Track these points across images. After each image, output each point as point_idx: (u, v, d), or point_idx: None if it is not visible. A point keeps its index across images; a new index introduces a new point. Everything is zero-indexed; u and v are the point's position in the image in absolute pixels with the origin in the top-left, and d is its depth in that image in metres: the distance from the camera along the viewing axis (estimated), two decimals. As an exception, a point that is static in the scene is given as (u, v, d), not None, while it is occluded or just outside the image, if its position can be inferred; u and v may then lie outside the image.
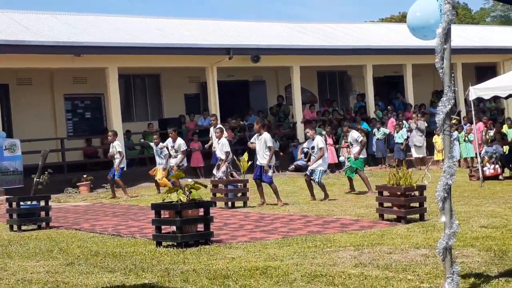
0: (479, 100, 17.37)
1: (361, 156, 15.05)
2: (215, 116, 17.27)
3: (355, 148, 14.93)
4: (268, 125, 18.04)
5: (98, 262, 7.65)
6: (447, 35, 5.56)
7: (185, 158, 16.96)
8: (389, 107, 24.97)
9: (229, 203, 13.51)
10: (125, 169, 17.25)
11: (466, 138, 20.82)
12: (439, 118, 5.59)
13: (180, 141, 16.39)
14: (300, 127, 22.92)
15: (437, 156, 20.80)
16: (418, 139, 21.76)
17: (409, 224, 9.57)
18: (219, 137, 15.06)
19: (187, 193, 8.60)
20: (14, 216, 11.46)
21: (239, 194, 13.88)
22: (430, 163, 19.12)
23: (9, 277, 7.05)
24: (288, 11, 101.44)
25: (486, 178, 15.86)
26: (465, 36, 27.77)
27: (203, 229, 8.72)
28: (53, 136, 20.37)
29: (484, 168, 16.29)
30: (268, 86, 25.43)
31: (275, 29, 25.51)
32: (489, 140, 18.30)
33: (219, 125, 16.28)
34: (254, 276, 6.44)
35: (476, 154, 17.65)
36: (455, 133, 19.99)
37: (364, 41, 25.21)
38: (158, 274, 6.80)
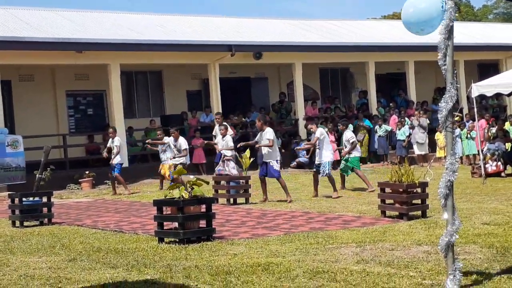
0: (481, 97, 17.35)
1: (356, 154, 15.05)
2: (220, 114, 17.19)
3: (346, 149, 14.95)
4: (270, 122, 18.01)
5: (100, 258, 7.67)
6: (449, 32, 5.55)
7: (188, 156, 16.98)
8: (391, 104, 24.95)
9: (231, 200, 13.51)
10: (124, 164, 17.28)
11: (469, 135, 20.80)
12: (441, 115, 5.59)
13: (182, 140, 16.39)
14: (302, 124, 22.91)
15: (439, 153, 20.80)
16: (420, 136, 21.74)
17: (411, 221, 9.57)
18: (223, 134, 15.11)
19: (189, 189, 8.61)
20: (17, 212, 11.49)
21: (241, 191, 13.88)
22: (432, 160, 19.11)
23: (11, 272, 7.07)
24: (289, 7, 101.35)
25: (488, 175, 15.85)
26: (467, 33, 27.73)
27: (205, 226, 8.73)
28: (55, 133, 20.39)
29: (486, 165, 16.28)
30: (270, 83, 25.42)
31: (277, 26, 25.48)
32: (491, 137, 18.28)
33: (224, 123, 16.26)
34: (256, 272, 6.45)
35: (478, 151, 17.63)
36: (457, 130, 19.97)
37: (366, 38, 25.19)
38: (160, 270, 6.81)
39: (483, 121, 20.92)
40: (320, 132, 14.02)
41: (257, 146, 13.57)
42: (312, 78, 25.21)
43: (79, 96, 21.91)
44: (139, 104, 23.01)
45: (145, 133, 21.72)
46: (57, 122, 21.15)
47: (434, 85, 27.44)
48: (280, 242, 8.20)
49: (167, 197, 8.93)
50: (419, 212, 9.99)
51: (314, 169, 14.11)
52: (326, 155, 13.89)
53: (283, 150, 21.04)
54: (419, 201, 10.08)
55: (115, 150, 16.89)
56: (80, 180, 18.29)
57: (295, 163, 21.08)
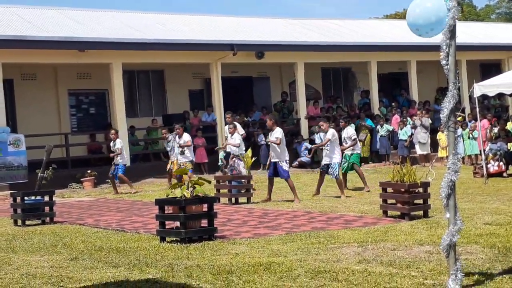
0: (483, 97, 17.34)
1: (357, 151, 15.08)
2: (230, 113, 16.90)
3: (347, 145, 14.92)
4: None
5: (102, 257, 7.67)
6: (452, 32, 5.55)
7: (193, 154, 16.88)
8: (393, 103, 24.94)
9: (233, 199, 13.51)
10: (127, 165, 17.29)
11: (471, 135, 20.79)
12: (443, 114, 5.58)
13: (186, 137, 16.33)
14: (304, 123, 22.92)
15: (441, 153, 20.78)
16: (422, 136, 21.73)
17: (413, 220, 9.56)
18: (232, 133, 15.15)
19: (191, 188, 8.61)
20: (19, 211, 11.49)
21: (243, 190, 13.87)
22: (434, 160, 19.10)
23: (13, 271, 7.08)
24: (290, 5, 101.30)
25: (490, 175, 15.84)
26: (470, 33, 27.71)
27: (206, 225, 8.73)
28: (57, 131, 20.40)
29: (488, 165, 16.26)
30: (272, 82, 25.42)
31: (280, 25, 25.48)
32: (494, 137, 18.27)
33: (234, 122, 16.22)
34: (257, 271, 6.45)
35: (480, 151, 17.62)
36: (459, 130, 19.96)
37: (368, 38, 25.18)
38: (162, 269, 6.81)
39: (485, 121, 20.90)
40: (332, 133, 13.94)
41: (266, 141, 13.58)
42: (314, 78, 25.20)
43: (81, 95, 21.92)
44: (141, 103, 23.01)
45: (147, 132, 21.74)
46: (59, 121, 21.16)
47: (436, 85, 27.42)
48: (282, 242, 8.19)
49: (169, 196, 8.93)
50: (421, 212, 9.98)
51: (321, 169, 13.97)
52: (336, 156, 13.79)
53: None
54: (421, 201, 10.07)
55: (117, 152, 16.89)
56: (82, 179, 18.30)
57: (297, 162, 21.07)
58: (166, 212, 8.86)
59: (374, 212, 10.66)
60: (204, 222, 8.78)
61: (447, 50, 5.55)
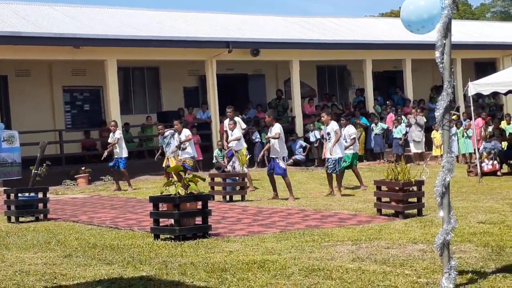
0: (478, 95, 17.37)
1: (356, 150, 15.03)
2: (231, 108, 16.44)
3: (347, 143, 14.80)
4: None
5: (96, 255, 7.66)
6: (447, 30, 5.55)
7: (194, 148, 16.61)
8: (388, 102, 24.97)
9: (227, 197, 13.50)
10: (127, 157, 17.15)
11: (465, 134, 20.83)
12: (438, 113, 5.58)
13: (186, 131, 16.02)
14: (299, 121, 22.92)
15: (436, 152, 20.83)
16: (417, 134, 21.76)
17: (407, 219, 9.58)
18: (232, 129, 15.08)
19: (185, 186, 8.60)
20: (12, 207, 11.46)
21: (237, 188, 13.87)
22: (428, 159, 19.13)
23: (6, 268, 7.06)
24: (287, 3, 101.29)
25: (484, 174, 15.87)
26: (465, 31, 27.75)
27: (201, 222, 8.72)
28: (51, 128, 20.33)
29: (483, 164, 16.30)
30: (267, 80, 25.42)
31: (275, 23, 25.47)
32: (488, 136, 18.31)
33: (236, 118, 16.06)
34: (251, 269, 6.45)
35: (474, 150, 17.65)
36: (454, 129, 20.00)
37: (363, 36, 25.20)
38: (156, 266, 6.80)
39: (479, 120, 20.95)
40: (338, 127, 13.93)
41: (266, 137, 13.57)
42: (309, 76, 25.21)
43: (76, 91, 21.87)
44: (136, 100, 22.98)
45: (142, 130, 21.70)
46: (53, 117, 21.11)
47: (431, 83, 27.48)
48: (276, 240, 8.19)
49: (163, 194, 8.92)
50: (415, 211, 10.00)
51: (326, 167, 13.74)
52: (339, 151, 13.68)
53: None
54: (415, 200, 10.08)
55: (114, 142, 16.68)
56: (76, 176, 18.26)
57: (291, 160, 21.06)
58: (160, 209, 8.85)
59: (368, 211, 10.67)
60: (198, 220, 8.78)
61: (442, 48, 5.55)
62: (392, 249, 7.30)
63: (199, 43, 20.79)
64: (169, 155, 16.24)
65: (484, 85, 16.46)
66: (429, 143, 21.92)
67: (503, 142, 17.67)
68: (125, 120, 20.76)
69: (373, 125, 22.51)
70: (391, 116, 23.22)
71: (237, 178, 13.86)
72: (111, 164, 16.80)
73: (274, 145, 13.17)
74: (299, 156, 21.43)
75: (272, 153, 13.28)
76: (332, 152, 13.57)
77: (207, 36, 21.33)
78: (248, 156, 14.73)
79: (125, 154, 16.90)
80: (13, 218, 11.33)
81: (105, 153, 16.93)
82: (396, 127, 22.17)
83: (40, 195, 11.67)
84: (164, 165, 16.52)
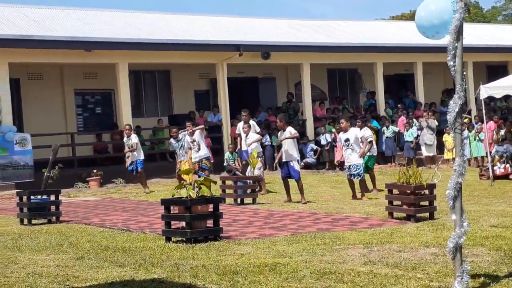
0: (490, 99, 17.32)
1: (374, 154, 14.95)
2: (247, 112, 16.26)
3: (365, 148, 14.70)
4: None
5: (108, 257, 7.68)
6: (459, 33, 5.54)
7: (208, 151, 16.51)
8: (399, 105, 24.92)
9: (238, 200, 13.51)
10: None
11: (477, 137, 20.75)
12: (450, 116, 5.57)
13: (197, 134, 15.98)
14: (310, 124, 22.91)
15: (447, 155, 20.75)
16: (428, 137, 21.71)
17: (418, 222, 9.55)
18: (247, 132, 15.02)
19: (197, 189, 8.61)
20: (25, 210, 11.52)
21: (249, 191, 13.87)
22: (440, 162, 19.07)
23: (19, 270, 7.10)
24: (296, 4, 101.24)
25: (496, 177, 15.80)
26: (476, 34, 27.66)
27: (212, 225, 8.73)
28: (63, 131, 20.45)
29: (495, 168, 16.23)
30: (278, 83, 25.43)
31: (285, 26, 25.48)
32: (500, 139, 18.24)
33: (251, 121, 16.00)
34: (263, 272, 6.45)
35: (486, 153, 17.58)
36: (466, 132, 19.93)
37: (374, 39, 25.16)
38: (168, 269, 6.82)
39: (491, 123, 20.87)
40: (359, 131, 13.86)
41: (280, 139, 13.35)
42: (320, 79, 25.21)
43: (88, 94, 21.96)
44: (147, 103, 23.05)
45: (153, 133, 21.77)
46: (65, 120, 21.21)
47: (442, 87, 27.39)
48: (287, 243, 8.19)
49: (174, 197, 8.94)
50: (427, 214, 9.96)
51: (350, 172, 13.48)
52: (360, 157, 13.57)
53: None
54: (426, 203, 10.05)
55: (133, 148, 16.75)
56: (88, 179, 18.34)
57: (302, 163, 21.04)
58: (172, 212, 8.87)
59: (380, 214, 10.65)
60: (209, 223, 8.79)
61: (453, 51, 5.54)
62: (404, 252, 7.28)
63: (210, 46, 20.85)
64: (183, 159, 16.19)
65: (495, 88, 16.41)
66: (440, 147, 21.85)
67: (515, 146, 17.58)
68: (137, 123, 20.81)
69: (384, 128, 22.46)
70: (402, 119, 23.17)
71: (249, 181, 13.87)
72: (130, 168, 16.81)
73: (288, 150, 13.10)
74: (310, 159, 21.43)
75: (286, 157, 13.11)
76: (353, 158, 13.44)
77: (218, 40, 21.38)
78: (260, 159, 14.71)
79: (142, 156, 16.96)
80: (25, 221, 11.38)
81: (128, 161, 16.91)
82: (407, 130, 22.12)
83: (53, 197, 11.72)
84: (177, 170, 16.46)
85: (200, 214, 8.61)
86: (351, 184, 13.56)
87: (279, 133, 13.56)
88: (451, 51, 5.55)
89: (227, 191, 13.92)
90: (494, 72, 26.91)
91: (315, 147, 21.74)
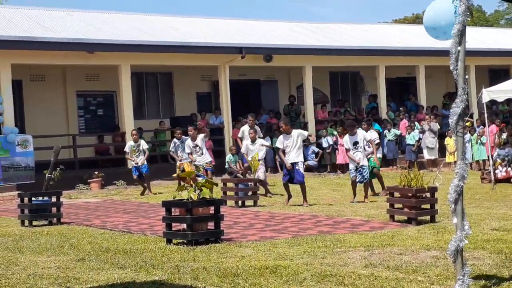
0: (492, 102, 17.32)
1: (379, 155, 14.91)
2: (254, 116, 16.39)
3: (370, 149, 14.64)
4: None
5: (109, 259, 7.68)
6: (461, 37, 5.54)
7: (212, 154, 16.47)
8: (401, 108, 24.91)
9: (240, 202, 13.51)
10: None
11: (479, 141, 20.74)
12: (452, 119, 5.57)
13: (200, 139, 15.96)
14: (311, 127, 22.91)
15: (449, 158, 20.75)
16: (430, 140, 21.70)
17: (419, 225, 9.54)
18: (253, 138, 14.92)
19: (198, 191, 8.61)
20: (26, 211, 11.53)
21: (250, 193, 13.87)
22: (441, 165, 19.06)
23: (20, 271, 7.10)
24: (299, 8, 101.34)
25: (498, 181, 15.79)
26: (479, 38, 27.65)
27: (213, 227, 8.73)
28: (65, 133, 20.46)
29: (496, 171, 16.22)
30: (280, 86, 25.44)
31: (288, 29, 25.50)
32: (502, 143, 18.23)
33: (256, 127, 15.97)
34: (264, 275, 6.44)
35: (488, 156, 17.57)
36: (468, 135, 19.92)
37: (377, 42, 25.17)
38: (168, 271, 6.82)
39: (493, 127, 20.86)
40: (368, 134, 13.86)
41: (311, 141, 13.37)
42: (322, 81, 25.21)
43: (90, 96, 21.99)
44: (149, 105, 23.06)
45: (155, 135, 21.78)
46: (67, 122, 21.23)
47: (444, 90, 27.38)
48: (288, 245, 8.19)
49: (175, 199, 8.94)
50: (428, 217, 9.96)
51: (356, 175, 13.47)
52: (365, 158, 13.61)
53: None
54: (428, 206, 10.04)
55: (147, 154, 16.89)
56: (89, 181, 18.34)
57: (304, 166, 21.03)
58: (172, 214, 8.87)
59: (381, 217, 10.64)
60: (210, 225, 8.79)
61: (456, 55, 5.54)
62: (405, 255, 7.27)
63: (212, 48, 20.86)
64: (184, 161, 16.18)
65: (498, 92, 16.42)
66: (442, 150, 21.84)
67: (517, 149, 17.57)
68: (138, 125, 20.81)
69: (386, 131, 22.45)
70: (404, 123, 23.16)
71: (250, 183, 13.87)
72: (136, 173, 16.81)
73: (294, 152, 13.05)
74: (312, 162, 21.42)
75: (292, 159, 13.03)
76: (365, 159, 13.46)
77: (220, 42, 21.39)
78: (261, 161, 14.71)
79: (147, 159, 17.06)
80: (26, 222, 11.38)
81: (132, 162, 16.87)
82: (409, 134, 22.12)
83: (54, 199, 11.73)
84: (178, 173, 16.47)
85: (201, 216, 8.61)
86: (355, 185, 13.54)
87: (282, 136, 13.35)
88: (453, 55, 5.55)
89: (228, 193, 13.93)
90: (496, 75, 26.90)
91: (316, 149, 21.74)
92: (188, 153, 15.28)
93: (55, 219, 11.55)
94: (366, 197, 13.46)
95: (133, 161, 16.92)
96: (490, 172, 15.99)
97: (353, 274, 6.37)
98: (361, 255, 7.34)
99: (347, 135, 13.84)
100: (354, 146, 13.58)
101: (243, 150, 15.47)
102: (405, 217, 10.01)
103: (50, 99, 20.74)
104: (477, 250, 7.41)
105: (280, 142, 13.27)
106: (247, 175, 15.55)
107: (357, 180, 13.51)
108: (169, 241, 8.60)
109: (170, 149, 17.26)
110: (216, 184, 9.45)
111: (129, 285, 6.28)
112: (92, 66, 20.21)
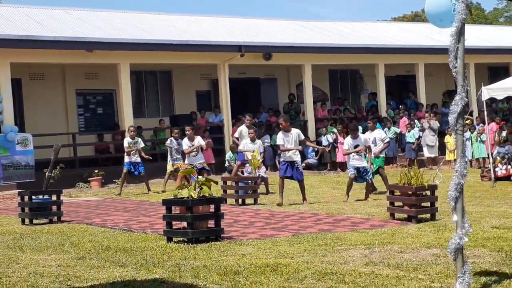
0: (491, 100, 17.33)
1: (383, 154, 14.90)
2: (251, 116, 16.44)
3: (378, 146, 14.61)
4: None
5: (109, 257, 7.69)
6: (460, 34, 5.54)
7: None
8: (400, 106, 24.92)
9: (240, 200, 13.51)
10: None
11: (479, 139, 20.74)
12: (452, 117, 5.57)
13: (199, 138, 15.99)
14: (311, 125, 22.91)
15: (449, 156, 20.75)
16: (430, 138, 21.71)
17: (420, 223, 9.55)
18: (253, 138, 14.89)
19: (198, 189, 8.62)
20: (26, 210, 11.53)
21: (250, 191, 13.86)
22: (441, 163, 19.07)
23: (21, 270, 7.10)
24: (299, 7, 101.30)
25: (498, 178, 15.79)
26: (478, 36, 27.66)
27: (213, 226, 8.74)
28: (65, 131, 20.47)
29: (496, 169, 16.23)
30: (280, 84, 25.44)
31: (287, 27, 25.49)
32: (502, 141, 18.23)
33: (253, 127, 15.97)
34: (264, 273, 6.45)
35: (488, 154, 17.58)
36: (468, 133, 19.93)
37: (376, 40, 25.16)
38: (169, 269, 6.83)
39: (493, 124, 20.86)
40: (381, 132, 13.99)
41: (308, 144, 13.40)
42: (321, 80, 25.21)
43: (89, 95, 21.98)
44: (149, 104, 23.06)
45: (154, 133, 21.78)
46: (66, 120, 21.23)
47: (443, 88, 27.38)
48: (289, 243, 8.19)
49: (176, 197, 8.94)
50: (428, 215, 9.96)
51: (354, 174, 13.41)
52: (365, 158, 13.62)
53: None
54: (428, 204, 10.05)
55: (143, 155, 16.88)
56: (89, 179, 18.36)
57: (303, 164, 21.03)
58: (173, 212, 8.87)
59: (381, 215, 10.65)
60: (211, 223, 8.80)
61: (455, 52, 5.54)
62: (405, 253, 7.28)
63: (212, 47, 20.85)
64: (178, 162, 16.26)
65: (497, 90, 16.41)
66: (442, 148, 21.85)
67: (516, 147, 17.57)
68: (138, 124, 20.79)
69: (385, 129, 22.44)
70: (404, 121, 23.16)
71: (250, 181, 13.87)
72: (134, 171, 16.76)
73: (295, 151, 13.05)
74: (312, 160, 21.43)
75: (293, 157, 13.00)
76: (362, 162, 13.45)
77: (220, 40, 21.38)
78: (260, 160, 14.70)
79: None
80: (27, 220, 11.39)
81: (129, 158, 16.83)
82: (409, 132, 22.12)
83: (54, 197, 11.73)
84: (171, 171, 16.54)
85: (202, 215, 8.62)
86: (351, 185, 13.53)
87: (281, 133, 13.29)
88: (452, 53, 5.55)
89: (229, 191, 13.93)
90: (496, 73, 26.90)
91: (316, 148, 21.71)
92: (185, 150, 15.32)
93: (55, 217, 11.55)
94: (367, 196, 13.43)
95: (133, 152, 16.79)
96: (490, 170, 16.00)
97: (353, 272, 6.37)
98: (362, 253, 7.35)
99: (349, 137, 13.80)
100: (355, 149, 13.59)
101: (241, 147, 15.35)
102: (405, 215, 10.01)
103: (49, 97, 20.74)
104: (477, 248, 7.42)
105: (280, 139, 13.21)
106: (239, 172, 15.51)
107: (359, 181, 13.53)
108: (169, 239, 8.61)
109: (167, 142, 17.21)
110: (216, 182, 9.44)
111: (130, 283, 6.28)
112: (91, 64, 20.20)
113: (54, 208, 11.63)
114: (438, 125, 22.51)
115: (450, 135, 20.20)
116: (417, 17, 56.12)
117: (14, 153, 17.57)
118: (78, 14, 22.11)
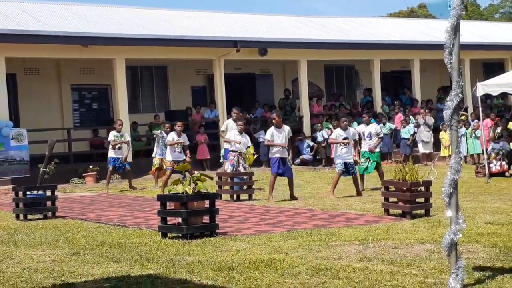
0: (486, 96, 17.35)
1: (378, 149, 14.82)
2: (239, 109, 16.33)
3: (373, 141, 14.58)
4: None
5: (104, 252, 7.68)
6: (456, 30, 5.54)
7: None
8: (396, 102, 24.94)
9: (235, 196, 13.51)
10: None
11: (473, 134, 20.78)
12: (446, 113, 5.58)
13: (184, 136, 15.95)
14: (306, 120, 22.92)
15: (444, 152, 20.78)
16: (425, 134, 21.74)
17: (414, 219, 9.56)
18: (243, 131, 14.77)
19: (193, 185, 8.61)
20: (21, 205, 11.51)
21: (245, 187, 13.87)
22: (436, 159, 19.10)
23: (15, 265, 7.10)
24: (295, 4, 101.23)
25: (492, 174, 15.83)
26: (473, 32, 27.69)
27: (208, 221, 8.74)
28: (60, 126, 20.44)
29: (491, 165, 16.26)
30: (275, 80, 25.43)
31: (283, 23, 25.48)
32: (496, 137, 18.27)
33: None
34: (259, 268, 6.46)
35: (482, 150, 17.61)
36: (462, 129, 19.96)
37: (371, 36, 25.17)
38: (163, 265, 6.83)
39: (488, 120, 20.89)
40: (377, 127, 14.13)
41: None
42: (317, 75, 25.21)
43: (84, 90, 21.94)
44: (144, 99, 23.03)
45: (149, 128, 21.74)
46: (61, 116, 21.19)
47: (438, 84, 27.42)
48: (283, 239, 8.20)
49: (170, 192, 8.94)
50: (423, 211, 9.98)
51: (342, 169, 13.31)
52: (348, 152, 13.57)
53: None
54: (422, 200, 10.07)
55: (127, 144, 16.82)
56: (84, 174, 18.33)
57: (299, 160, 21.07)
58: (168, 208, 8.87)
59: (376, 211, 10.67)
60: (205, 219, 8.79)
61: (450, 48, 5.55)
62: (399, 249, 7.30)
63: (207, 42, 20.82)
64: (160, 156, 16.34)
65: (492, 86, 16.43)
66: (437, 144, 21.88)
67: (511, 143, 17.61)
68: (133, 119, 20.82)
69: (381, 125, 22.46)
70: (399, 116, 23.19)
71: (245, 177, 13.86)
72: (119, 165, 16.68)
73: (285, 148, 13.00)
74: (307, 155, 21.44)
75: (284, 154, 12.92)
76: (349, 156, 13.43)
77: (215, 36, 21.35)
78: (255, 156, 14.69)
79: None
80: (21, 216, 11.37)
81: (113, 153, 16.78)
82: (404, 127, 22.15)
83: (48, 193, 11.71)
84: (157, 166, 16.52)
85: (196, 210, 8.62)
86: (337, 181, 13.47)
87: (274, 128, 12.98)
88: (447, 49, 5.56)
89: (223, 187, 13.92)
90: (491, 69, 26.95)
91: (311, 143, 21.75)
92: (168, 142, 15.29)
93: (50, 213, 11.53)
94: (359, 190, 13.41)
95: (117, 147, 16.71)
96: (484, 166, 16.03)
97: (347, 267, 6.39)
98: (356, 249, 7.36)
99: (339, 128, 13.77)
100: (342, 140, 13.49)
101: (227, 137, 15.03)
102: (400, 211, 10.03)
103: (44, 92, 20.69)
104: (471, 244, 7.44)
105: (269, 134, 12.95)
106: (225, 167, 15.43)
107: (344, 175, 13.50)
108: (164, 235, 8.61)
109: (157, 132, 17.16)
110: (211, 178, 9.44)
111: (124, 278, 6.28)
112: (86, 59, 20.15)
113: (49, 203, 11.61)
114: (433, 121, 22.54)
115: (445, 131, 20.22)
116: (413, 13, 56.12)
117: (9, 148, 17.52)
118: (73, 9, 22.05)
